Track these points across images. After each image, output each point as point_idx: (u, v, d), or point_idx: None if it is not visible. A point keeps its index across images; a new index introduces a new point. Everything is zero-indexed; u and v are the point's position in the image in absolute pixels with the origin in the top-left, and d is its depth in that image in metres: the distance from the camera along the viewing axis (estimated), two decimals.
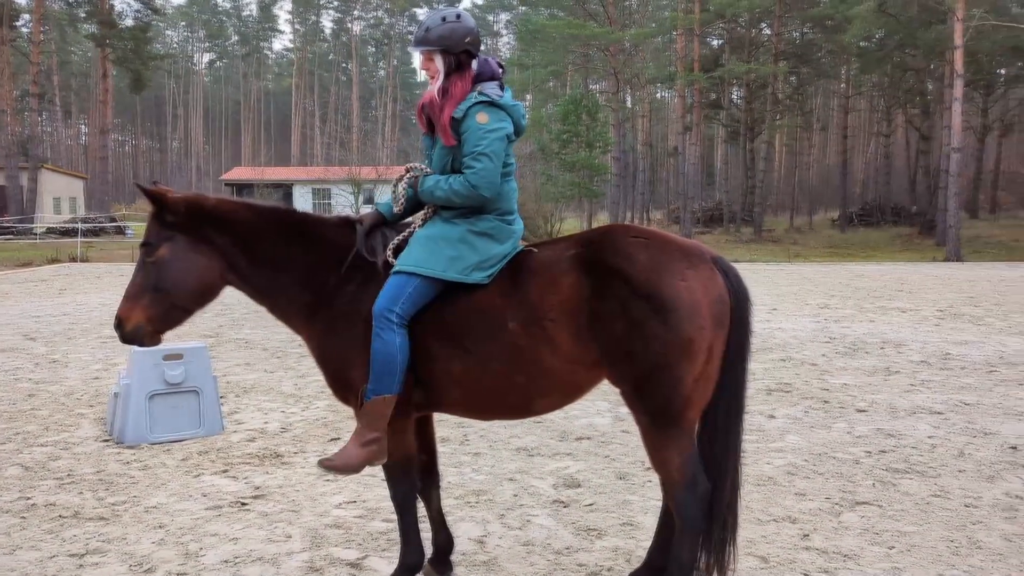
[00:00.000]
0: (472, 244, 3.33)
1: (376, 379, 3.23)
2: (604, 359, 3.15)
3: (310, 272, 3.47)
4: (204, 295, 3.46)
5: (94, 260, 27.31)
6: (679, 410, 3.12)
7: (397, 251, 3.47)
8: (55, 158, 79.59)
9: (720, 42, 51.75)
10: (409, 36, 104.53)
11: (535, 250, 3.39)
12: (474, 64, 3.46)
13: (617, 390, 3.27)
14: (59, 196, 52.05)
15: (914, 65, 44.75)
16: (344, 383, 3.44)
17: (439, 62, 3.42)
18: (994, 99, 49.91)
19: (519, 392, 3.29)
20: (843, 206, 48.93)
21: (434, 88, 3.44)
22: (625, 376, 3.15)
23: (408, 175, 3.56)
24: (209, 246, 3.41)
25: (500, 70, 3.52)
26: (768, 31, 48.37)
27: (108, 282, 19.51)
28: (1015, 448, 5.89)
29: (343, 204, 41.90)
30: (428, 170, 3.52)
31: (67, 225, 40.48)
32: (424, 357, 3.31)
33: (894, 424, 6.57)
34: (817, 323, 12.48)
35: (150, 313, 3.36)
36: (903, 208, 49.38)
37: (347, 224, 3.59)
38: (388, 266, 3.42)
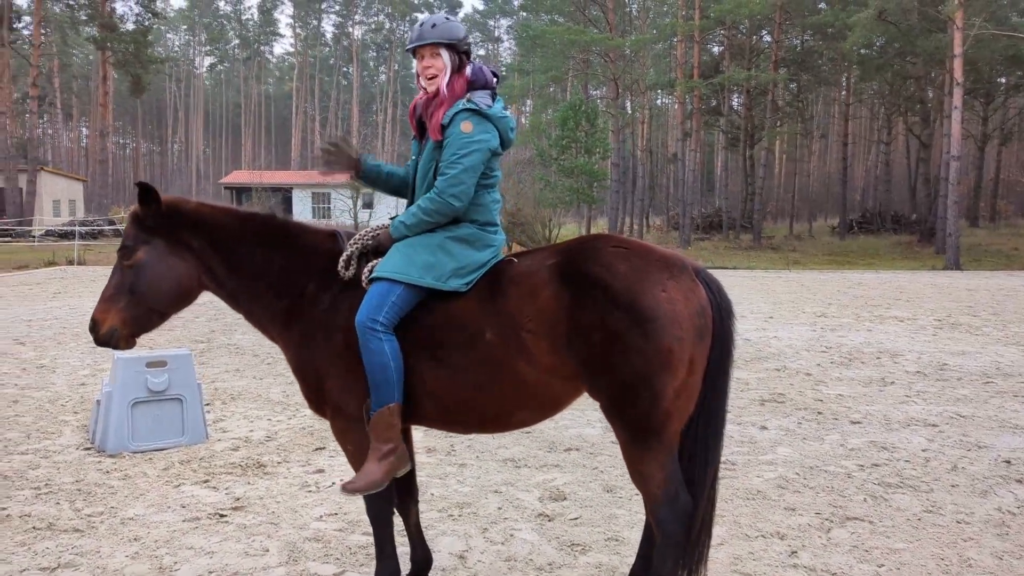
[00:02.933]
0: (449, 251, 3.27)
1: (376, 391, 3.17)
2: (582, 371, 3.08)
3: (287, 279, 3.41)
4: (180, 299, 3.43)
5: (90, 263, 27.25)
6: (659, 423, 3.04)
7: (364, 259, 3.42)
8: (55, 160, 79.65)
9: (720, 49, 51.78)
10: None
11: (515, 260, 3.32)
12: (468, 69, 3.43)
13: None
14: (58, 199, 52.02)
15: (914, 73, 44.74)
16: (319, 393, 3.37)
17: (446, 57, 3.40)
18: (994, 107, 49.84)
19: (496, 404, 3.22)
20: (843, 213, 48.86)
21: (443, 83, 3.38)
22: (604, 389, 3.08)
23: (361, 240, 3.41)
24: (187, 250, 3.37)
25: (494, 79, 3.48)
26: (768, 38, 48.38)
27: (102, 285, 19.35)
28: (1009, 462, 5.81)
29: (342, 208, 41.85)
30: (381, 226, 3.46)
31: (65, 228, 40.43)
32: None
33: (888, 437, 6.48)
34: (813, 332, 12.40)
35: (125, 316, 3.32)
36: (903, 216, 49.34)
37: (331, 233, 3.53)
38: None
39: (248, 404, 7.40)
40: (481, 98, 3.38)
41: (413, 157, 3.55)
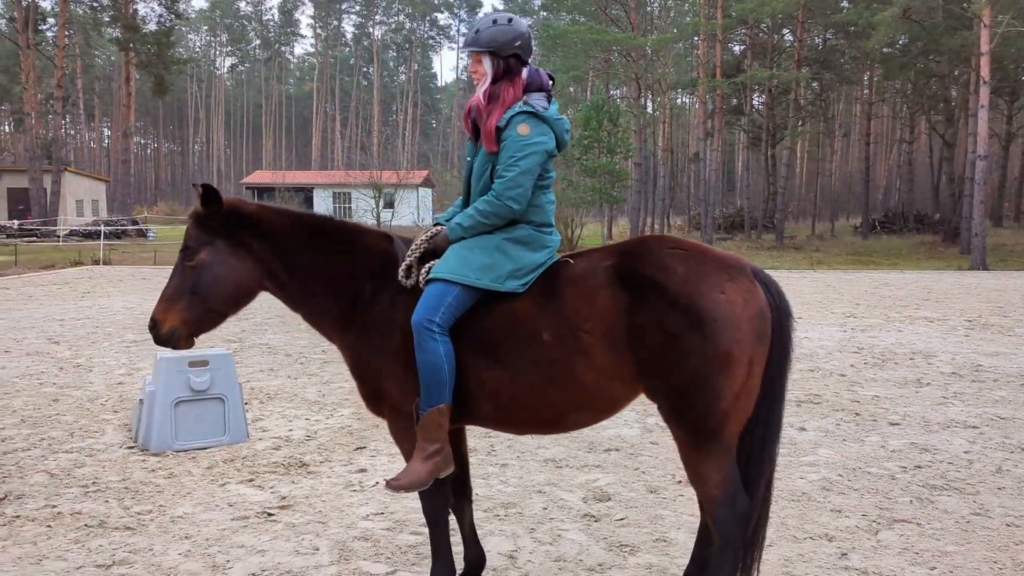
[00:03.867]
0: (507, 252, 3.27)
1: (426, 391, 3.18)
2: (641, 373, 3.08)
3: (346, 280, 3.43)
4: (241, 300, 3.46)
5: (116, 263, 27.50)
6: (718, 425, 3.04)
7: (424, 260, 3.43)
8: (78, 161, 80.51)
9: (742, 48, 51.45)
10: (430, 41, 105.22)
11: (571, 261, 3.32)
12: (524, 72, 3.40)
13: (646, 401, 3.21)
14: (81, 198, 52.54)
15: (938, 71, 44.26)
16: (377, 394, 3.39)
17: (487, 64, 3.38)
18: (1019, 106, 49.21)
19: (553, 406, 3.23)
20: (865, 213, 48.43)
21: (480, 91, 3.38)
22: (662, 391, 3.08)
23: (418, 247, 3.40)
24: (248, 252, 3.39)
25: (550, 81, 3.48)
26: (790, 37, 48.04)
27: (130, 285, 19.63)
28: None
29: (364, 208, 42.01)
30: (437, 227, 3.46)
31: (89, 227, 40.83)
32: (457, 368, 3.25)
33: (928, 438, 6.43)
34: (844, 332, 12.31)
35: (186, 316, 3.35)
36: (926, 215, 48.85)
37: (386, 235, 3.55)
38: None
39: (285, 404, 7.45)
40: (537, 100, 3.38)
41: (468, 158, 3.55)
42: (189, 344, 3.41)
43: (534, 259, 3.29)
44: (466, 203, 3.53)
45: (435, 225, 3.52)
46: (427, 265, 3.34)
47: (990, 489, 5.24)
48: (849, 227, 53.82)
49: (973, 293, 19.14)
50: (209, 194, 3.32)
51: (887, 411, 7.33)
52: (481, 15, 3.50)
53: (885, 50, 43.48)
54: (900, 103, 56.58)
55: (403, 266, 3.36)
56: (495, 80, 3.38)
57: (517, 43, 3.39)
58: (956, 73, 43.71)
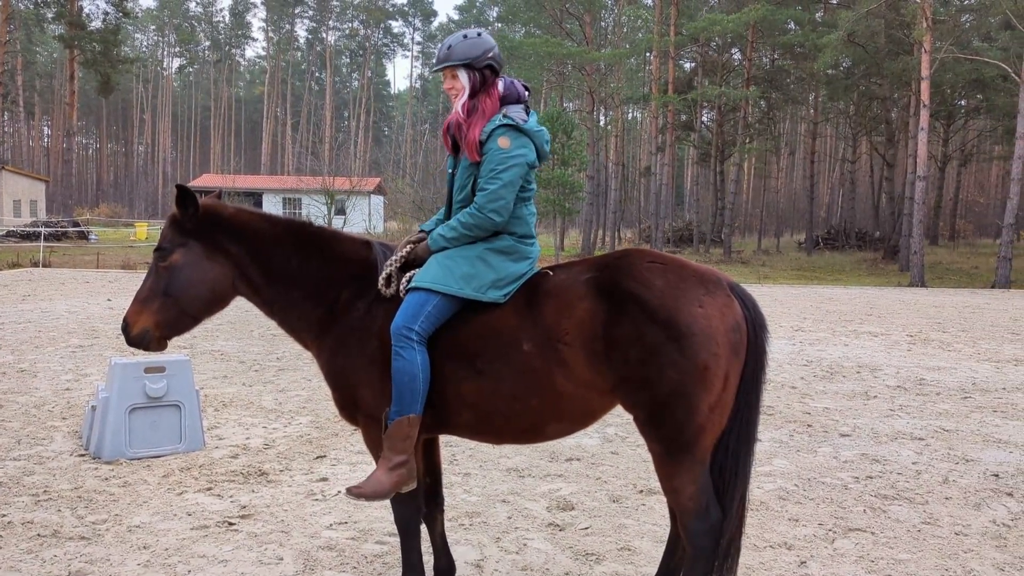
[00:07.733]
0: (488, 262, 3.29)
1: (399, 400, 3.16)
2: (619, 385, 3.11)
3: (323, 287, 3.41)
4: (214, 304, 3.42)
5: (57, 265, 26.73)
6: (693, 438, 3.08)
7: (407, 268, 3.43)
8: (16, 159, 77.97)
9: (693, 65, 52.39)
10: (384, 48, 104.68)
11: (550, 272, 3.35)
12: (500, 84, 3.42)
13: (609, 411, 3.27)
14: (19, 198, 50.94)
15: (880, 94, 45.70)
16: (352, 401, 3.37)
17: (463, 78, 3.39)
18: (955, 129, 51.09)
19: (531, 415, 3.25)
20: (809, 229, 49.65)
21: (458, 105, 3.39)
22: (639, 403, 3.11)
23: (401, 253, 3.43)
24: (224, 255, 3.35)
25: (526, 92, 3.50)
26: (739, 56, 49.09)
27: (72, 288, 19.09)
28: (997, 476, 5.95)
29: (315, 215, 41.56)
30: (416, 237, 3.48)
31: (28, 229, 39.58)
32: (435, 377, 3.25)
33: (878, 449, 6.61)
34: (793, 345, 12.59)
35: (158, 318, 3.30)
36: (867, 233, 50.26)
37: (365, 242, 3.53)
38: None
39: (241, 411, 7.33)
40: (516, 113, 3.40)
41: (449, 171, 3.56)
42: (162, 346, 3.36)
43: (515, 270, 3.31)
44: (447, 216, 3.53)
45: (420, 232, 3.52)
46: (408, 274, 3.34)
47: (938, 499, 5.41)
48: (794, 243, 55.09)
49: (913, 309, 19.74)
50: (184, 196, 3.27)
51: (837, 423, 7.52)
52: (454, 34, 3.49)
53: (830, 72, 44.72)
54: (843, 123, 58.20)
55: (383, 275, 3.35)
56: (473, 93, 3.40)
57: (489, 54, 3.41)
58: (897, 96, 45.17)
